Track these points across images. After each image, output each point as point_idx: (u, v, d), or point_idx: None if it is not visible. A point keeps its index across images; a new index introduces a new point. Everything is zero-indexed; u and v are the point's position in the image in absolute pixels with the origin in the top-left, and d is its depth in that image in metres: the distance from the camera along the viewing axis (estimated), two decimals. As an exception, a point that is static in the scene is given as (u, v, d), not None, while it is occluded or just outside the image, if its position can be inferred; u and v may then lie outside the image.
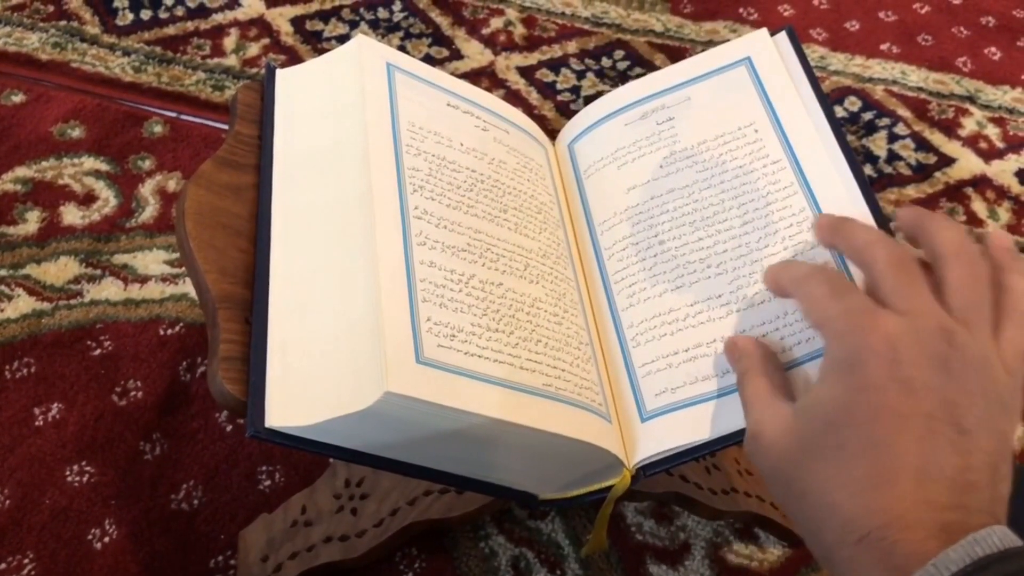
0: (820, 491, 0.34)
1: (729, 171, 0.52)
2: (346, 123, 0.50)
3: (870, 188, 0.48)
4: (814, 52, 1.10)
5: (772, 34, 0.56)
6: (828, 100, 0.53)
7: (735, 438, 0.43)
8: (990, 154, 1.00)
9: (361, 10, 1.10)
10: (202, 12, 1.08)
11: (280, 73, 0.56)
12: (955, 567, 0.30)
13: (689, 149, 0.54)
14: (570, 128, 0.60)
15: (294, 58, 1.03)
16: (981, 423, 0.34)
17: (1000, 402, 0.35)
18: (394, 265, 0.43)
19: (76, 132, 0.93)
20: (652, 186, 0.53)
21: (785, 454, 0.36)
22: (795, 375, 0.43)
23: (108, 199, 0.88)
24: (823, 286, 0.38)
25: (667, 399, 0.46)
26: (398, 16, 1.10)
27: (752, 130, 0.53)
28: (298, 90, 0.54)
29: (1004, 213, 0.95)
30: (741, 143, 0.53)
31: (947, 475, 0.32)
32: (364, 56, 0.53)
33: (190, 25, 1.06)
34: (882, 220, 0.47)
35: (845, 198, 0.48)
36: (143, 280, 0.82)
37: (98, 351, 0.77)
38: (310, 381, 0.42)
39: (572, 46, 1.09)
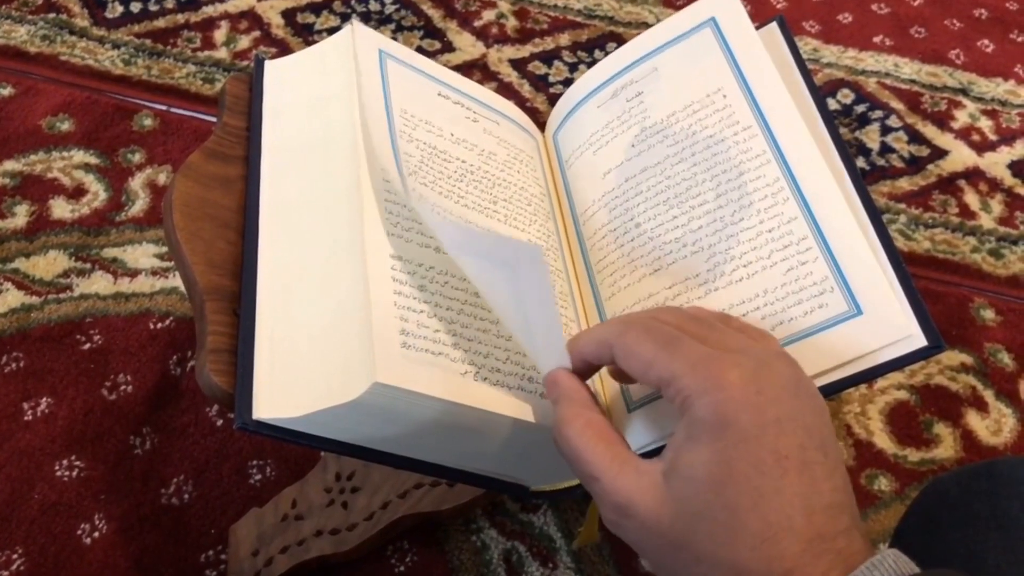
0: (717, 554, 0.33)
1: (700, 142, 0.50)
2: (336, 111, 0.50)
3: (862, 181, 0.47)
4: (807, 44, 1.10)
5: (763, 24, 0.55)
6: (820, 92, 0.52)
7: None
8: (983, 146, 1.00)
9: (353, 2, 1.10)
10: (192, 5, 1.07)
11: (269, 64, 0.55)
12: None
13: (659, 124, 0.52)
14: (553, 118, 0.59)
15: (285, 51, 1.03)
16: (829, 439, 0.35)
17: (825, 412, 0.36)
18: (382, 255, 0.43)
19: (65, 125, 0.93)
20: (626, 167, 0.52)
21: (668, 524, 0.34)
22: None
23: (98, 193, 0.88)
24: (646, 339, 0.36)
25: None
26: (390, 8, 1.09)
27: (720, 96, 0.51)
28: (287, 81, 0.54)
29: (996, 205, 0.95)
30: (710, 111, 0.51)
31: (825, 502, 0.33)
32: (358, 41, 0.53)
33: (180, 18, 1.05)
34: (874, 212, 0.46)
35: (818, 160, 0.47)
36: (133, 274, 0.82)
37: (88, 345, 0.77)
38: (298, 373, 0.42)
39: (564, 38, 1.08)
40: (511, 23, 1.09)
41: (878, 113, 1.03)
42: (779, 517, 0.33)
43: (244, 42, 1.04)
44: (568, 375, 0.40)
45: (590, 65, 1.05)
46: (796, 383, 0.35)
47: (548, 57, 1.06)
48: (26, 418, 0.73)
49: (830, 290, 0.44)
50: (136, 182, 0.89)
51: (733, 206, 0.48)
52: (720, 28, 0.53)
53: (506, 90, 1.01)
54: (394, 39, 1.05)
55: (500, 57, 1.05)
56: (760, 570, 0.32)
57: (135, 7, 1.06)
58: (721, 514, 0.33)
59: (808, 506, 0.33)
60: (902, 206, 0.94)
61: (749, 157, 0.49)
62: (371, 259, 0.43)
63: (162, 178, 0.89)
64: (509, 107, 0.58)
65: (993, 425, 0.79)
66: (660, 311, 0.40)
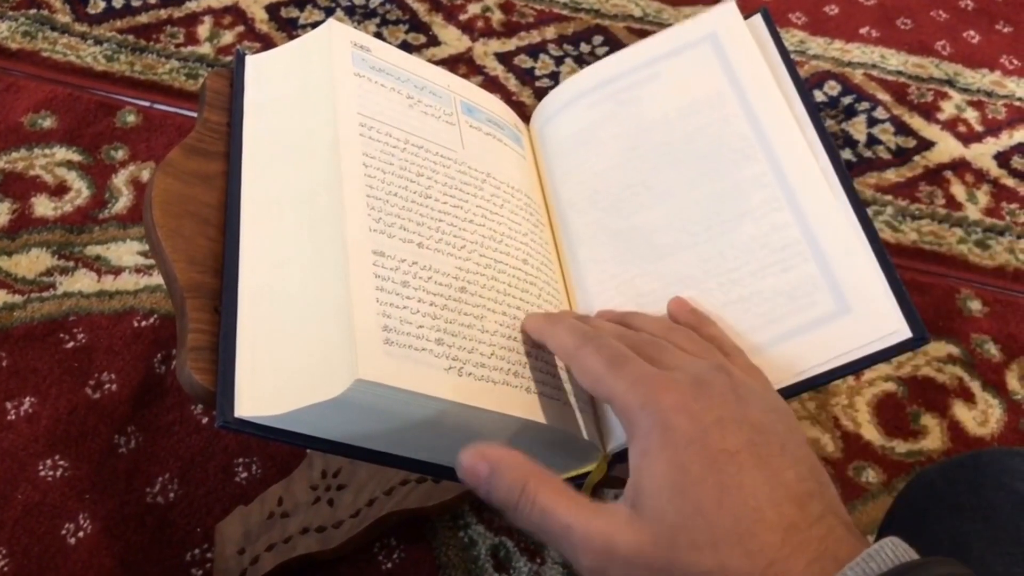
0: (701, 562, 0.33)
1: (694, 149, 0.51)
2: (316, 109, 0.50)
3: (847, 173, 0.48)
4: (793, 36, 1.10)
5: (747, 17, 0.55)
6: (805, 85, 0.52)
7: None
8: (969, 137, 1.00)
9: (337, -3, 1.09)
10: (175, 0, 1.06)
11: (250, 60, 0.55)
12: None
13: (653, 128, 0.53)
14: (540, 111, 0.59)
15: (269, 46, 1.02)
16: (786, 436, 0.36)
17: (780, 411, 0.37)
18: (364, 250, 0.43)
19: (47, 122, 0.92)
20: (617, 166, 0.53)
21: (650, 549, 0.34)
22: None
23: (80, 190, 0.87)
24: (596, 357, 0.39)
25: None
26: (375, 2, 1.09)
27: (718, 105, 0.52)
28: (268, 76, 0.54)
29: (983, 196, 0.95)
30: (706, 119, 0.51)
31: (792, 492, 0.33)
32: (335, 41, 0.52)
33: (163, 13, 1.05)
34: (859, 205, 0.47)
35: (815, 175, 0.47)
36: (116, 272, 0.81)
37: (71, 344, 0.76)
38: (280, 370, 0.41)
39: (550, 32, 1.08)
40: (497, 16, 1.09)
41: (865, 105, 1.03)
42: (746, 511, 0.33)
43: (228, 37, 1.03)
44: (492, 446, 0.38)
45: (576, 59, 1.05)
46: (734, 389, 0.37)
47: (534, 51, 1.05)
48: (9, 418, 0.72)
49: (818, 289, 0.45)
50: (119, 179, 0.88)
51: (725, 207, 0.48)
52: (720, 43, 0.53)
53: (491, 84, 1.01)
54: (378, 34, 1.05)
55: (486, 51, 1.05)
56: (744, 568, 0.32)
57: (117, 3, 1.05)
58: (693, 518, 0.33)
59: (774, 497, 0.33)
60: (889, 198, 0.94)
61: (746, 164, 0.49)
62: (353, 255, 0.42)
63: (145, 175, 0.89)
64: (493, 102, 0.58)
65: (980, 416, 0.79)
66: (624, 328, 0.43)
